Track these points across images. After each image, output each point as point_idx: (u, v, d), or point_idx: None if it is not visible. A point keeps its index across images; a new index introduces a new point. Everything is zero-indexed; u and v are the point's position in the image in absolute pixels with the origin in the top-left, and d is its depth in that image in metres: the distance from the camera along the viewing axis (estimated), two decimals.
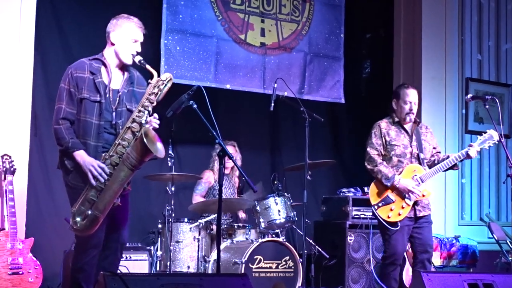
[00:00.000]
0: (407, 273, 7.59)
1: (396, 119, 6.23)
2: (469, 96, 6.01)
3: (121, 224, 4.99)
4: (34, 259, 6.33)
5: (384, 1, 9.55)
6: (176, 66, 7.79)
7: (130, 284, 3.89)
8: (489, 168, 9.53)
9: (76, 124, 4.81)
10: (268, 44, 8.53)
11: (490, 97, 6.05)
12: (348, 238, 7.77)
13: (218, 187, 7.40)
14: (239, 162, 7.57)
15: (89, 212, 4.63)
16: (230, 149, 7.53)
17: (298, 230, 7.36)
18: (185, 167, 7.93)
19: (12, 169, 6.45)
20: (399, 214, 6.01)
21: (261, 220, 7.00)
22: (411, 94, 6.17)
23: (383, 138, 6.18)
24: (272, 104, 6.82)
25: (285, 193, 7.18)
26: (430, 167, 6.16)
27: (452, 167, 6.15)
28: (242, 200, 7.38)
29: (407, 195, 6.00)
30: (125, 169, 4.67)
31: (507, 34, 9.88)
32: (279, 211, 6.99)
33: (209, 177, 7.69)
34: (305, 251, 6.69)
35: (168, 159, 6.87)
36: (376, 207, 6.08)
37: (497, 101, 6.00)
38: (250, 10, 8.45)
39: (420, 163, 6.12)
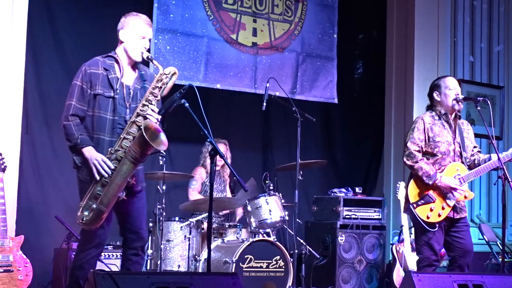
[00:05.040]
0: (398, 274, 7.60)
1: (443, 111, 5.88)
2: (461, 97, 5.95)
3: (138, 223, 5.02)
4: (24, 256, 6.31)
5: (377, 2, 9.56)
6: (166, 66, 7.61)
7: (120, 282, 3.88)
8: None
9: (89, 120, 4.86)
10: (260, 44, 8.53)
11: (481, 98, 5.98)
12: (339, 238, 7.78)
13: (209, 183, 7.53)
14: (228, 161, 7.57)
15: (94, 206, 4.68)
16: (221, 147, 7.55)
17: (289, 230, 7.36)
18: (176, 166, 7.93)
19: (2, 167, 6.43)
20: (439, 215, 5.68)
21: (252, 219, 7.00)
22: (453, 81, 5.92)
23: (426, 134, 5.80)
24: (264, 104, 6.83)
25: (277, 193, 7.18)
26: (469, 166, 5.89)
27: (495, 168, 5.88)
28: (233, 199, 7.38)
29: (449, 194, 5.71)
30: (127, 162, 4.70)
31: (499, 36, 9.91)
32: (270, 210, 6.98)
33: (202, 173, 7.71)
34: (296, 251, 6.71)
35: (160, 157, 6.86)
36: (414, 205, 5.71)
37: (489, 102, 5.96)
38: (242, 10, 8.45)
39: (462, 162, 5.83)
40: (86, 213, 4.68)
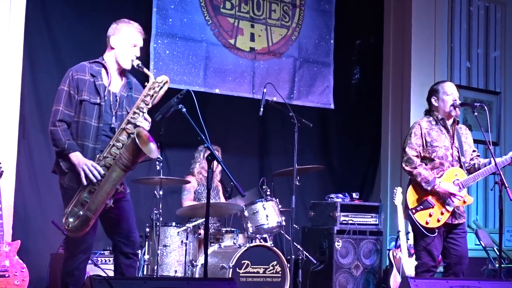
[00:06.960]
0: (395, 279, 7.60)
1: (440, 116, 5.91)
2: (458, 103, 5.95)
3: (128, 227, 5.00)
4: (21, 262, 6.30)
5: (374, 8, 9.57)
6: (165, 70, 7.76)
7: (117, 287, 3.87)
8: None
9: (74, 126, 4.82)
10: (257, 49, 8.54)
11: (478, 104, 6.00)
12: (336, 243, 7.76)
13: (201, 190, 7.54)
14: (219, 168, 7.55)
15: (81, 212, 4.66)
16: None
17: (286, 235, 7.34)
18: (173, 171, 7.91)
19: None
20: (438, 220, 5.69)
21: (249, 225, 6.99)
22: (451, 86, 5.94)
23: (423, 139, 5.81)
24: (262, 109, 6.83)
25: (273, 198, 7.17)
26: (469, 171, 5.89)
27: (493, 172, 5.84)
28: (230, 204, 7.37)
29: (448, 200, 5.70)
30: (117, 169, 4.68)
31: (495, 42, 9.93)
32: (267, 216, 6.97)
33: (192, 182, 7.67)
34: (293, 256, 6.69)
35: (157, 162, 6.85)
36: (413, 211, 5.72)
37: (486, 108, 5.97)
38: (240, 15, 8.46)
39: (461, 166, 5.83)
40: (71, 219, 4.66)
